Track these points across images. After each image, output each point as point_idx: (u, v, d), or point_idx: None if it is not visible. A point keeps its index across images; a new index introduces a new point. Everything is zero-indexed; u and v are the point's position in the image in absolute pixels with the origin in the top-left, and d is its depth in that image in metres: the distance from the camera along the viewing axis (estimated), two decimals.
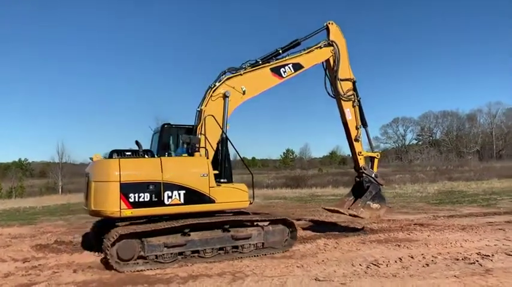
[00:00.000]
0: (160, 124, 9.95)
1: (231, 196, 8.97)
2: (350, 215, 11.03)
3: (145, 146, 9.50)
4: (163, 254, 8.10)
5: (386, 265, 7.73)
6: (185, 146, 9.33)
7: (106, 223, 9.05)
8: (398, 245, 9.55)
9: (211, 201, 8.63)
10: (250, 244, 8.96)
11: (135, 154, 8.66)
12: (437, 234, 10.87)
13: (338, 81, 11.22)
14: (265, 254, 8.97)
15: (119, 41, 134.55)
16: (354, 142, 11.48)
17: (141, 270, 7.80)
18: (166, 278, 7.30)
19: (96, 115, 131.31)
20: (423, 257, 8.22)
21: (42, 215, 18.87)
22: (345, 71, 11.34)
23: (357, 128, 11.47)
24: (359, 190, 11.49)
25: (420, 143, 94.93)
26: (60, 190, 55.57)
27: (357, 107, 11.48)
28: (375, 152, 12.19)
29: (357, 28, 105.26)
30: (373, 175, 11.44)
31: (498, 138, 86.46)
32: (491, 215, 14.50)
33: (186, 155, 9.02)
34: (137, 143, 9.06)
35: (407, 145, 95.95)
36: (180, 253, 8.30)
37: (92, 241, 9.82)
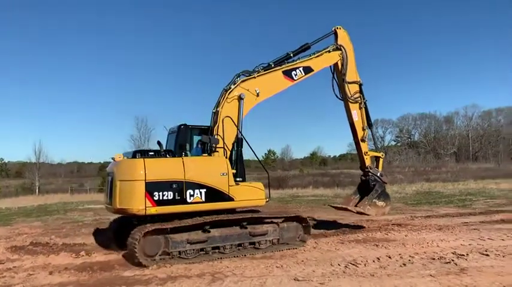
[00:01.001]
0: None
1: (249, 194, 9.30)
2: (357, 212, 11.38)
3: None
4: (186, 250, 8.42)
5: (365, 265, 7.84)
6: (200, 146, 9.57)
7: (124, 222, 9.43)
8: (377, 245, 9.69)
9: (231, 199, 8.96)
10: (266, 240, 9.31)
11: (157, 153, 8.86)
12: (415, 234, 11.08)
13: (346, 84, 11.54)
14: (283, 250, 9.26)
15: (107, 38, 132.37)
16: (361, 142, 11.83)
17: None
18: (145, 279, 7.23)
19: (75, 114, 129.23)
20: (400, 257, 8.36)
21: (18, 216, 18.36)
22: (352, 74, 11.66)
23: (363, 129, 11.84)
24: (365, 188, 11.87)
25: (399, 144, 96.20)
26: (37, 191, 54.54)
27: (363, 109, 11.83)
28: (380, 152, 12.55)
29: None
30: (378, 174, 11.84)
31: (474, 140, 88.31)
32: (467, 215, 14.84)
33: (205, 155, 9.22)
34: (159, 143, 9.32)
35: (386, 146, 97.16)
36: (202, 249, 8.63)
37: (111, 239, 9.97)
